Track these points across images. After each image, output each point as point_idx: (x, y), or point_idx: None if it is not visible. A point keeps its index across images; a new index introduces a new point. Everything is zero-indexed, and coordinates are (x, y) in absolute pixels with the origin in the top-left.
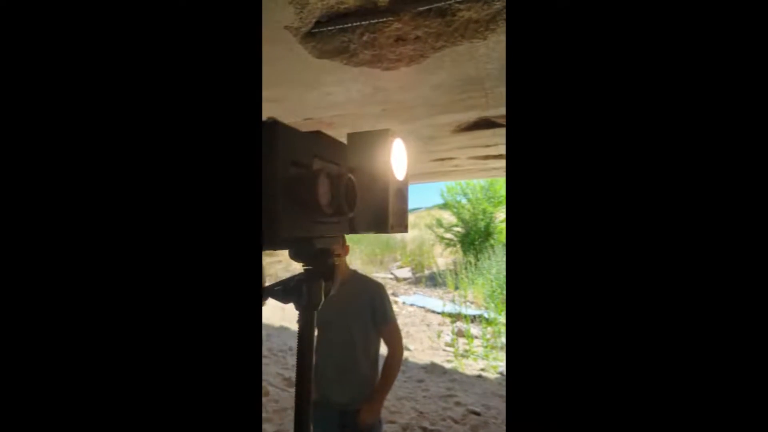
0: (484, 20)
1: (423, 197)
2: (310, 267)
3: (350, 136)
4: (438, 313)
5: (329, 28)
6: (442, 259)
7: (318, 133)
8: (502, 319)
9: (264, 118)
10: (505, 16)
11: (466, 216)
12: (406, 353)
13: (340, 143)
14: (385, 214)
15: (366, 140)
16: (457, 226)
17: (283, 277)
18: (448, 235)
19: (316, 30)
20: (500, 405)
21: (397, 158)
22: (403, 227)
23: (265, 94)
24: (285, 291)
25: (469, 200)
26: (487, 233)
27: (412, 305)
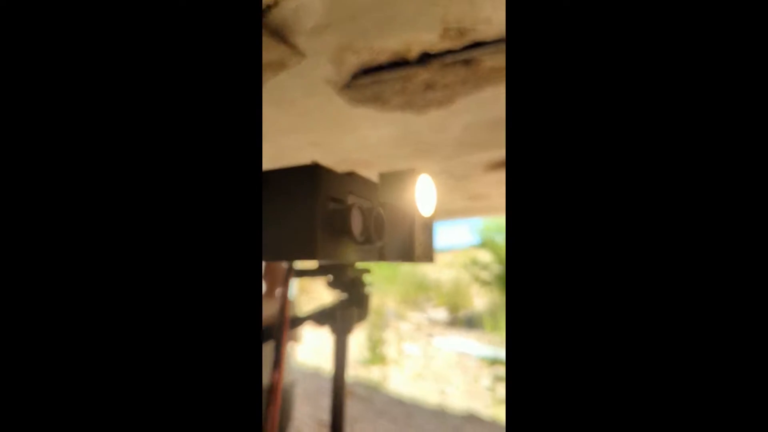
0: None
1: (459, 237)
2: (345, 295)
3: (381, 175)
4: (475, 356)
5: (364, 80)
6: (479, 299)
7: (352, 174)
8: None
9: (308, 161)
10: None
11: (504, 255)
12: (442, 397)
13: (371, 181)
14: (411, 245)
15: (394, 178)
16: (494, 264)
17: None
18: (485, 275)
19: (352, 82)
20: None
21: (423, 194)
22: (430, 258)
23: (307, 138)
24: (322, 317)
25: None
26: None
27: (448, 348)
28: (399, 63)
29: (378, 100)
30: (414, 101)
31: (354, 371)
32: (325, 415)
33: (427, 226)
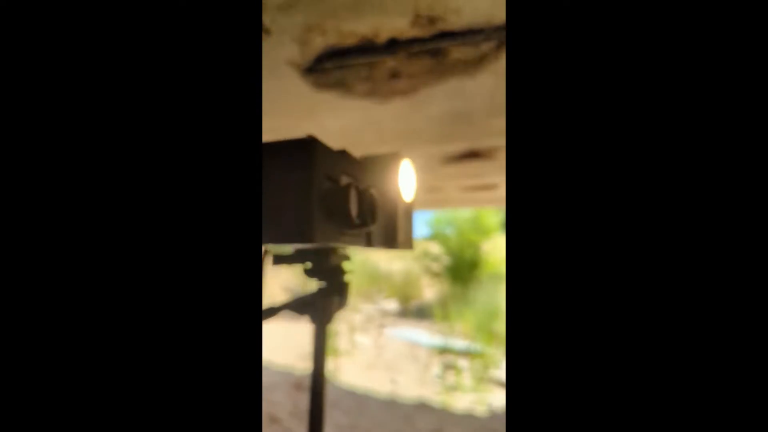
0: (473, 61)
1: None
2: (324, 284)
3: (364, 158)
4: (426, 345)
5: (328, 64)
6: (430, 290)
7: (344, 152)
8: (490, 350)
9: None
10: (490, 57)
11: (453, 247)
12: (393, 386)
13: (360, 162)
14: (394, 231)
15: (378, 162)
16: (444, 256)
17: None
18: (435, 266)
19: (317, 66)
20: None
21: (405, 180)
22: (410, 245)
23: (266, 123)
24: (301, 305)
25: (456, 231)
26: (473, 264)
27: (399, 338)
28: (366, 49)
29: (342, 86)
30: (378, 89)
31: (305, 364)
32: (276, 410)
33: (408, 212)
